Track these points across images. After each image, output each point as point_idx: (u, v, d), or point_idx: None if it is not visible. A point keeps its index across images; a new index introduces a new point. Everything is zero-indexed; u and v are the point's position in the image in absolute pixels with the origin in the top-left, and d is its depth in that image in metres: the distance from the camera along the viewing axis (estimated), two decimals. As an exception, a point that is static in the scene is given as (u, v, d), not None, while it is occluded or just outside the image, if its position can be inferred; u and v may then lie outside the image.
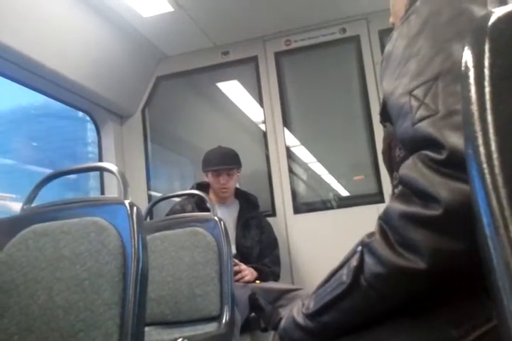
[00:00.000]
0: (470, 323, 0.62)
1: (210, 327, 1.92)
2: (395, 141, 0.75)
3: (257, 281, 2.54)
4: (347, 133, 3.20)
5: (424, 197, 0.59)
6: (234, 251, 2.56)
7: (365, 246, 0.65)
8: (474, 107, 0.39)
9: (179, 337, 1.78)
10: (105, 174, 3.13)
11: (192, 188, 2.77)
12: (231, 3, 2.85)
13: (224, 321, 1.92)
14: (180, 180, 3.82)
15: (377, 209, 2.68)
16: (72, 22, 2.60)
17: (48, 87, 2.73)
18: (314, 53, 3.26)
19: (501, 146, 0.36)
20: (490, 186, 0.36)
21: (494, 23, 0.40)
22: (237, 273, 2.45)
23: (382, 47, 2.94)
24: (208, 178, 2.78)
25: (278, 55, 3.26)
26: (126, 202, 1.18)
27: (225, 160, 2.74)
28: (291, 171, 3.14)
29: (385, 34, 2.96)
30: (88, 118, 3.27)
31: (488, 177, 0.36)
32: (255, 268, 2.59)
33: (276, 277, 2.70)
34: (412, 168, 0.62)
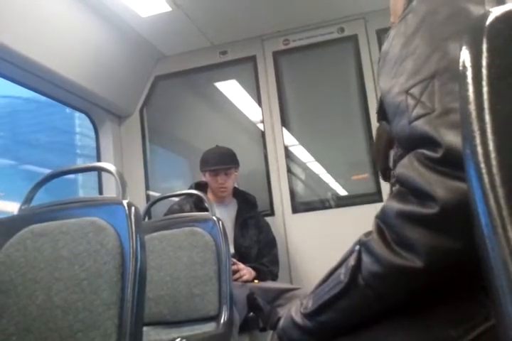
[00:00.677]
0: (469, 323, 0.62)
1: (209, 327, 1.92)
2: (391, 139, 0.75)
3: (256, 281, 2.54)
4: (345, 133, 3.20)
5: (420, 195, 0.59)
6: (232, 250, 2.56)
7: (363, 245, 0.66)
8: (472, 107, 0.39)
9: (177, 337, 1.78)
10: (103, 174, 3.13)
11: (190, 188, 2.77)
12: (229, 2, 2.85)
13: (222, 321, 1.92)
14: (178, 179, 3.82)
15: (376, 208, 2.66)
16: (70, 22, 2.60)
17: (46, 87, 2.73)
18: (312, 53, 3.27)
19: (499, 146, 0.36)
20: (488, 186, 0.36)
21: (492, 23, 0.40)
22: (235, 272, 2.45)
23: (380, 46, 2.93)
24: (206, 178, 2.78)
25: (276, 55, 3.26)
26: (125, 202, 1.18)
27: (223, 160, 2.74)
28: (289, 171, 3.14)
29: (382, 33, 2.96)
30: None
31: (485, 176, 0.36)
32: (253, 268, 2.59)
33: (274, 276, 2.70)
34: (409, 167, 0.62)
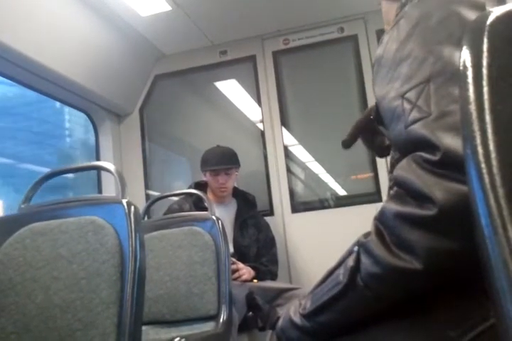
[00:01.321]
0: (467, 323, 0.62)
1: (208, 326, 1.92)
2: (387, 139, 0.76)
3: (255, 280, 2.54)
4: (344, 133, 3.19)
5: (419, 197, 0.60)
6: (231, 250, 2.56)
7: (362, 246, 0.66)
8: (472, 107, 0.39)
9: (177, 336, 1.78)
10: (103, 173, 3.12)
11: (190, 187, 2.77)
12: (229, 2, 2.85)
13: (221, 320, 1.92)
14: (177, 179, 3.82)
15: (375, 208, 2.67)
16: (70, 21, 2.60)
17: (46, 86, 2.73)
18: (312, 52, 3.26)
19: (499, 146, 0.36)
20: (488, 186, 0.36)
21: (492, 23, 0.40)
22: (234, 271, 2.45)
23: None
24: (206, 177, 2.78)
25: (276, 54, 3.26)
26: (124, 201, 1.17)
27: (223, 160, 2.74)
28: (289, 170, 3.14)
29: (382, 34, 2.95)
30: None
31: (486, 176, 0.36)
32: (253, 267, 2.59)
33: (273, 276, 2.70)
34: (407, 169, 0.62)
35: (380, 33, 3.03)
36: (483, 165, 0.37)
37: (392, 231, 0.62)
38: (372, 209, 2.67)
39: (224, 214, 2.63)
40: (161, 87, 3.43)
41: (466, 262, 0.54)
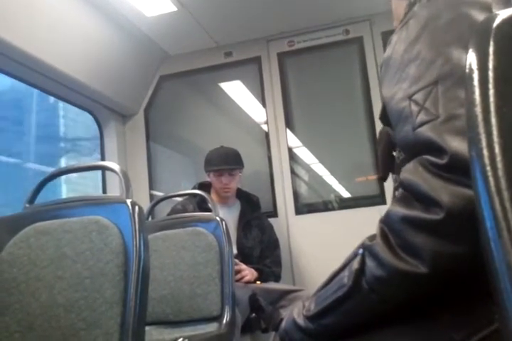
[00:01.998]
0: (471, 327, 0.62)
1: (211, 327, 1.92)
2: (392, 142, 0.75)
3: (258, 282, 2.54)
4: (349, 135, 3.19)
5: (425, 201, 0.59)
6: (235, 251, 2.56)
7: (367, 248, 0.65)
8: (478, 109, 0.39)
9: (180, 337, 1.78)
10: (107, 173, 3.13)
11: (194, 188, 2.77)
12: (234, 3, 2.85)
13: (225, 321, 1.92)
14: (182, 179, 3.82)
15: (379, 210, 2.67)
16: (76, 21, 2.60)
17: (51, 86, 2.74)
18: (317, 54, 3.26)
19: (505, 149, 0.36)
20: (493, 188, 0.36)
21: (499, 25, 0.40)
22: (237, 272, 2.45)
23: (385, 48, 2.94)
24: (210, 178, 2.78)
25: (281, 56, 3.26)
26: (128, 201, 1.18)
27: (227, 161, 2.74)
28: (293, 172, 3.13)
29: (388, 36, 2.93)
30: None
31: (491, 179, 0.36)
32: (256, 269, 2.58)
33: (277, 278, 2.70)
34: (413, 172, 0.62)
35: (385, 35, 3.02)
36: (488, 168, 0.36)
37: (398, 234, 0.62)
38: (376, 212, 2.67)
39: (228, 215, 2.63)
40: (166, 87, 3.43)
41: (471, 266, 0.54)
